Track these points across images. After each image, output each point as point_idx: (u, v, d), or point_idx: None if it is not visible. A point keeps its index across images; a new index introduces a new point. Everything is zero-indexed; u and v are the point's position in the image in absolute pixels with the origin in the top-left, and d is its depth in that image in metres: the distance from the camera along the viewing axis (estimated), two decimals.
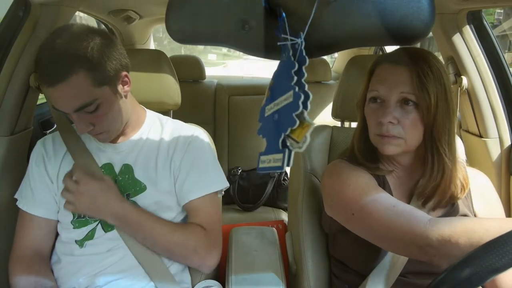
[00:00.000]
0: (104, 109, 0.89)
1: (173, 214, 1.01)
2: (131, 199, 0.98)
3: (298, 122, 0.45)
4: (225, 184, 1.05)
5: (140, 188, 0.98)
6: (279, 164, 0.46)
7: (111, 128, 0.94)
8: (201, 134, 1.08)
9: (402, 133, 0.83)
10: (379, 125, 0.84)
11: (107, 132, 0.94)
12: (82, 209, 0.94)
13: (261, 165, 0.50)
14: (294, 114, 0.45)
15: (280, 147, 0.47)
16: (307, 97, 0.45)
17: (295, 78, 0.47)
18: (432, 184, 0.87)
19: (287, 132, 0.46)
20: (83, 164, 0.98)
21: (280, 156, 0.46)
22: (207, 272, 1.03)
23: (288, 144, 0.46)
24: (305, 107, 0.45)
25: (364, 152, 0.92)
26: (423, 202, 0.89)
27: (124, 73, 0.94)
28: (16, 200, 1.02)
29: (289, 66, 0.48)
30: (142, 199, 0.98)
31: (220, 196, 1.09)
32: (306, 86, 0.46)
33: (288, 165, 0.46)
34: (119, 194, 0.95)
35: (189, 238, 0.96)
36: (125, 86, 0.95)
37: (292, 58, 0.49)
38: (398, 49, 0.91)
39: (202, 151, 1.04)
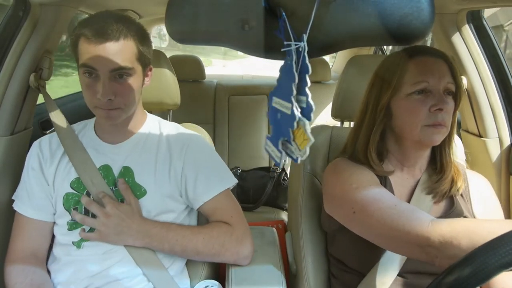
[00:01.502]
0: (131, 83, 0.92)
1: (174, 215, 1.00)
2: None
3: (292, 137, 0.47)
4: (234, 181, 1.05)
5: (140, 192, 0.98)
6: (278, 161, 0.51)
7: (127, 106, 0.94)
8: (198, 136, 1.07)
9: (448, 122, 0.87)
10: (432, 115, 0.85)
11: (122, 109, 0.93)
12: (106, 233, 0.93)
13: (266, 147, 0.55)
14: (290, 130, 0.47)
15: (280, 146, 0.50)
16: (310, 108, 0.46)
17: (294, 92, 0.47)
18: (438, 177, 0.91)
19: (285, 139, 0.49)
20: (80, 163, 0.97)
21: (279, 154, 0.51)
22: (246, 263, 1.01)
23: (292, 148, 0.48)
24: (308, 118, 0.46)
25: (375, 152, 0.92)
26: (426, 194, 0.91)
27: (151, 66, 0.99)
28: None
29: (291, 75, 0.48)
30: (143, 203, 0.97)
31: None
32: (310, 95, 0.46)
33: (296, 161, 0.49)
34: (142, 215, 0.96)
35: (214, 236, 0.97)
36: (146, 78, 0.99)
37: (294, 67, 0.48)
38: (419, 45, 0.92)
39: (202, 153, 1.04)
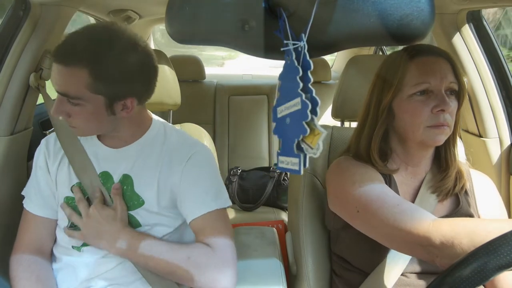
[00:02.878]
0: (84, 111, 0.88)
1: (169, 229, 0.98)
2: (129, 212, 0.96)
3: (308, 130, 0.47)
4: (228, 203, 0.99)
5: (138, 202, 0.95)
6: (297, 168, 0.49)
7: (84, 129, 0.93)
8: (203, 147, 1.02)
9: (451, 122, 0.86)
10: (434, 116, 0.85)
11: (80, 129, 0.93)
12: (87, 235, 0.92)
13: (280, 165, 0.53)
14: (304, 122, 0.47)
15: (295, 151, 0.49)
16: (315, 103, 0.46)
17: (301, 84, 0.47)
18: (442, 175, 0.91)
19: (300, 138, 0.48)
20: (80, 168, 0.97)
21: (296, 160, 0.49)
22: None
23: (303, 148, 0.48)
24: (314, 113, 0.46)
25: (378, 152, 0.92)
26: (431, 193, 0.91)
27: (130, 99, 0.90)
28: (17, 198, 1.02)
29: (294, 71, 0.49)
30: (139, 214, 0.96)
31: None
32: (314, 91, 0.46)
33: (304, 166, 0.49)
34: (125, 223, 0.93)
35: (190, 257, 0.90)
36: (124, 111, 0.91)
37: (296, 63, 0.49)
38: (420, 44, 0.90)
39: (202, 167, 0.99)
